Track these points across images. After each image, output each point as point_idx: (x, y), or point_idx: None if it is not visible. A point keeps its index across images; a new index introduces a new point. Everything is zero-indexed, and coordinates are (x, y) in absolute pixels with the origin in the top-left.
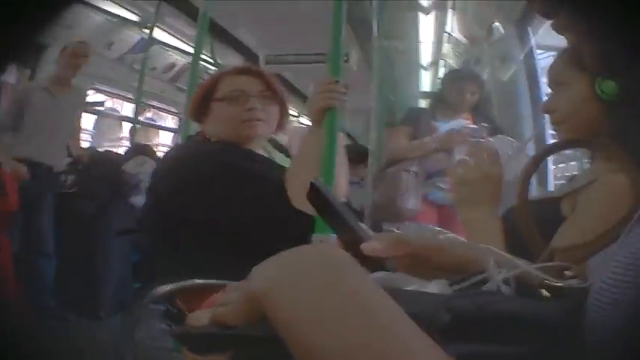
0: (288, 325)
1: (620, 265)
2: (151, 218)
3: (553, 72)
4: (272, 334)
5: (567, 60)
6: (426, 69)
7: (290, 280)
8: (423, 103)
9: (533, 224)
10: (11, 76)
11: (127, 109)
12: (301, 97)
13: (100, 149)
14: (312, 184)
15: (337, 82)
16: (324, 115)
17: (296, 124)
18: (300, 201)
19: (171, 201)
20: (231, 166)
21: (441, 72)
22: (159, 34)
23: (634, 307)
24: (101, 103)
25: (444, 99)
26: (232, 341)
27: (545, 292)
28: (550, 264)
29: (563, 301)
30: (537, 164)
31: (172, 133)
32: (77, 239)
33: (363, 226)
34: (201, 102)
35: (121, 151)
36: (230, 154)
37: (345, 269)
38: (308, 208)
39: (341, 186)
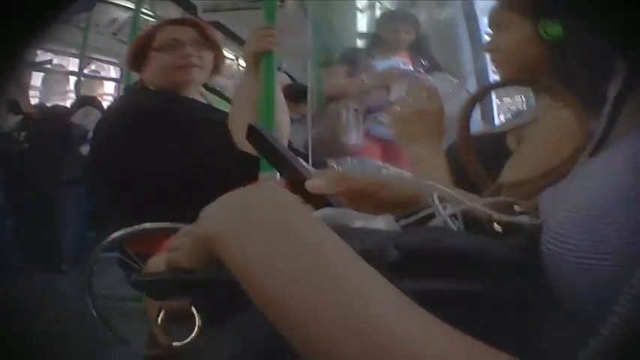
0: (239, 268)
1: (573, 203)
2: (94, 168)
3: (493, 15)
4: (228, 277)
5: (507, 3)
6: (362, 11)
7: (238, 222)
8: (360, 44)
9: (476, 158)
10: None
11: (73, 64)
12: (239, 42)
13: (49, 104)
14: (250, 126)
15: (272, 26)
16: (259, 59)
17: (235, 68)
18: (243, 143)
19: (112, 151)
20: (170, 113)
21: (378, 14)
22: None
23: (590, 247)
24: (48, 62)
25: (380, 39)
26: (190, 285)
27: (496, 227)
28: (496, 199)
29: (515, 237)
30: (477, 100)
31: (115, 83)
32: (33, 194)
33: (305, 164)
34: (139, 52)
35: (69, 104)
36: (169, 102)
37: (291, 209)
38: (252, 149)
39: (283, 127)
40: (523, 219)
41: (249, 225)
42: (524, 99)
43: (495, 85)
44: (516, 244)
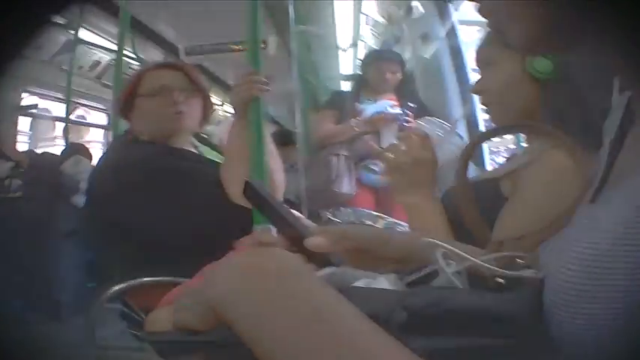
0: (246, 332)
1: (576, 252)
2: (90, 222)
3: (480, 52)
4: (236, 339)
5: (494, 40)
6: (344, 50)
7: (245, 287)
8: (345, 85)
9: (474, 207)
10: None
11: (59, 108)
12: (223, 85)
13: (38, 150)
14: (246, 182)
15: (257, 72)
16: (247, 107)
17: (222, 114)
18: (236, 195)
19: (107, 206)
20: (165, 169)
21: (361, 53)
22: (84, 34)
23: (595, 298)
24: (34, 106)
25: (365, 80)
26: (198, 346)
27: (500, 282)
28: (500, 254)
29: (518, 290)
30: (473, 150)
31: (103, 130)
32: (27, 243)
33: (303, 219)
34: (127, 99)
35: (57, 150)
36: (161, 156)
37: (295, 275)
38: (246, 202)
39: (276, 176)
40: (526, 272)
41: (256, 290)
42: (514, 138)
43: (490, 133)
44: (520, 297)
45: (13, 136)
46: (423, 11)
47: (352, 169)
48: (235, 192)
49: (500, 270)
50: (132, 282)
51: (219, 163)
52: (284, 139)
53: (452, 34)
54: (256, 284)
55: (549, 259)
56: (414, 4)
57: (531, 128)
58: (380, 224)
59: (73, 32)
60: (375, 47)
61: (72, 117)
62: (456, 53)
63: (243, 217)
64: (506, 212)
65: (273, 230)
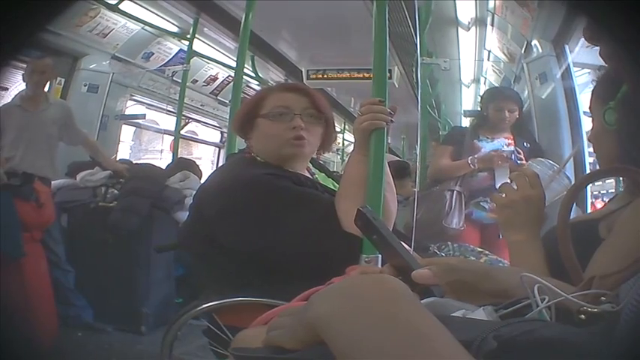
0: (346, 353)
1: None
2: (194, 238)
3: (589, 103)
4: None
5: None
6: (467, 86)
7: (349, 310)
8: (465, 121)
9: (571, 249)
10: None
11: (165, 120)
12: (344, 112)
13: (141, 162)
14: (359, 211)
15: (383, 102)
16: (369, 137)
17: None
18: (348, 223)
19: (217, 225)
20: (277, 192)
21: (482, 89)
22: (199, 45)
23: None
24: (142, 116)
25: (484, 117)
26: None
27: (582, 317)
28: (588, 292)
29: (597, 325)
30: (577, 193)
31: (214, 148)
32: (118, 253)
33: (411, 251)
34: (246, 117)
35: (162, 164)
36: (277, 178)
37: (401, 300)
38: (356, 231)
39: (390, 207)
40: (606, 307)
41: (360, 312)
42: (614, 182)
43: (593, 177)
44: (598, 331)
45: (114, 145)
46: (541, 51)
47: (463, 205)
48: (347, 221)
49: (585, 304)
50: (227, 301)
51: (333, 190)
52: (400, 171)
53: (567, 75)
54: (361, 306)
55: (625, 295)
56: (534, 43)
57: (625, 172)
58: (482, 260)
59: (186, 42)
60: (495, 85)
61: (182, 131)
62: (570, 95)
63: (351, 246)
64: (599, 252)
65: (380, 261)
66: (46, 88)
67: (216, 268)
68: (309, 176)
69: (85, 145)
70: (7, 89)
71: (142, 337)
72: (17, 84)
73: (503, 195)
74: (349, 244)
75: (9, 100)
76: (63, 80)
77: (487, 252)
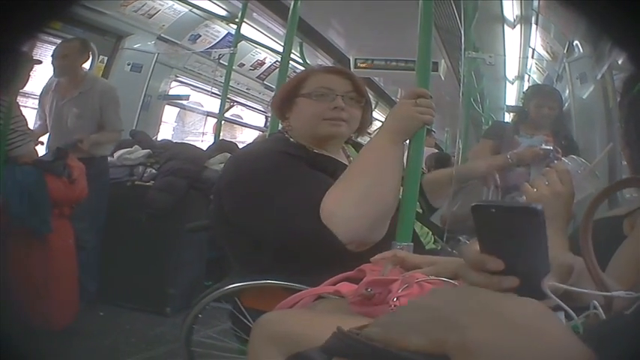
0: None
1: None
2: (216, 216)
3: None
4: None
5: None
6: (511, 82)
7: (494, 334)
8: (507, 117)
9: (591, 251)
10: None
11: (209, 103)
12: (389, 102)
13: (182, 143)
14: (475, 207)
15: (428, 95)
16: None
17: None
18: (327, 213)
19: (224, 196)
20: (283, 168)
21: (525, 86)
22: (247, 30)
23: None
24: (186, 97)
25: (526, 113)
26: None
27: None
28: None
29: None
30: (605, 197)
31: (258, 132)
32: (150, 233)
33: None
34: (287, 96)
35: (204, 146)
36: (290, 156)
37: (547, 322)
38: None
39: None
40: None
41: (507, 337)
42: None
43: (620, 184)
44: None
45: (155, 125)
46: (582, 52)
47: (498, 200)
48: (327, 209)
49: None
50: (252, 283)
51: None
52: (441, 163)
53: (606, 77)
54: (505, 331)
55: None
56: (575, 43)
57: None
58: None
59: (234, 26)
60: (538, 82)
61: (227, 115)
62: (608, 96)
63: (323, 234)
64: (621, 250)
65: (411, 248)
66: (76, 71)
67: (237, 250)
68: (342, 159)
69: (111, 140)
70: (40, 62)
71: (166, 319)
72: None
73: (535, 189)
74: (321, 232)
75: (46, 74)
76: (105, 58)
77: None
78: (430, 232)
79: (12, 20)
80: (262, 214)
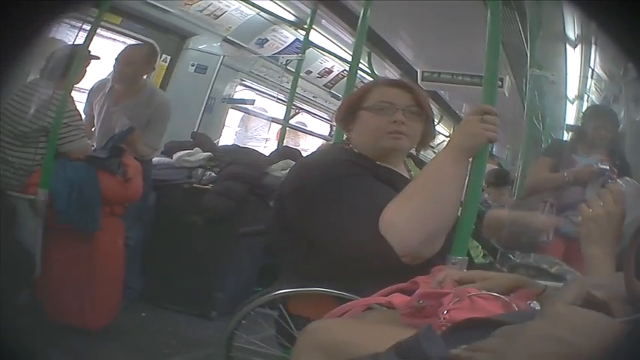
0: None
1: None
2: (275, 222)
3: None
4: None
5: None
6: (572, 102)
7: None
8: (567, 136)
9: (632, 276)
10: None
11: (274, 108)
12: (454, 116)
13: (244, 147)
14: None
15: (495, 113)
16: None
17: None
18: (388, 227)
19: (288, 203)
20: (347, 178)
21: (585, 106)
22: (315, 36)
23: None
24: (251, 102)
25: (584, 133)
26: None
27: None
28: None
29: None
30: None
31: (322, 140)
32: (203, 236)
33: None
34: (350, 109)
35: (266, 151)
36: (354, 165)
37: None
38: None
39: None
40: None
41: None
42: None
43: None
44: None
45: (217, 128)
46: (637, 74)
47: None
48: (389, 224)
49: None
50: (300, 290)
51: None
52: (500, 179)
53: None
54: None
55: None
56: (630, 65)
57: None
58: (554, 270)
59: (302, 32)
60: (596, 102)
61: (291, 121)
62: None
63: (379, 248)
64: None
65: (465, 263)
66: (137, 80)
67: (290, 256)
68: (403, 172)
69: (145, 154)
70: (98, 58)
71: (210, 323)
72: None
73: (590, 210)
74: (379, 246)
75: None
76: (169, 58)
77: (561, 263)
78: (480, 247)
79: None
80: (325, 221)
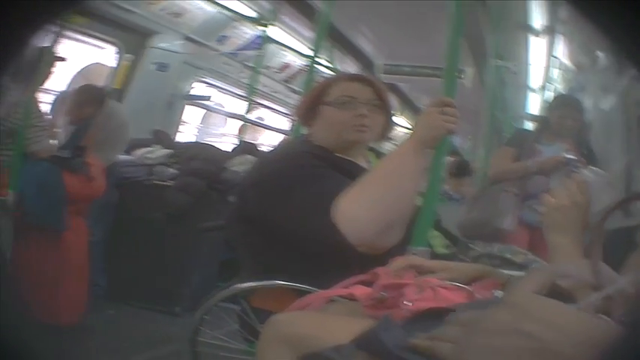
0: None
1: None
2: (235, 216)
3: None
4: None
5: None
6: (534, 92)
7: None
8: (530, 125)
9: (597, 259)
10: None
11: (234, 104)
12: (414, 109)
13: (203, 143)
14: None
15: (453, 104)
16: (437, 141)
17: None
18: (342, 216)
19: (248, 195)
20: (305, 168)
21: (548, 96)
22: (275, 32)
23: None
24: (207, 98)
25: (548, 123)
26: None
27: None
28: None
29: None
30: (615, 210)
31: (282, 135)
32: (165, 232)
33: None
34: (311, 104)
35: (226, 147)
36: (314, 157)
37: None
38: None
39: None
40: None
41: None
42: None
43: (631, 198)
44: None
45: (176, 125)
46: (606, 63)
47: (517, 208)
48: (343, 212)
49: None
50: (258, 283)
51: None
52: (460, 170)
53: (629, 89)
54: None
55: None
56: (599, 54)
57: None
58: (519, 259)
59: (262, 28)
60: (562, 92)
61: (251, 117)
62: (630, 109)
63: (332, 236)
64: (633, 260)
65: (427, 253)
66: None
67: (250, 250)
68: (364, 164)
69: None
70: (64, 59)
71: (176, 319)
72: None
73: (554, 199)
74: (332, 231)
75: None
76: (131, 57)
77: (526, 252)
78: (440, 237)
79: (23, 11)
80: (283, 211)
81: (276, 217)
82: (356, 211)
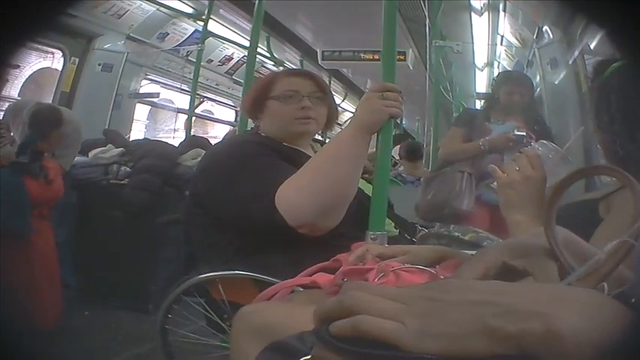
0: None
1: None
2: (189, 208)
3: None
4: None
5: None
6: (481, 70)
7: (578, 319)
8: (478, 104)
9: (552, 235)
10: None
11: (181, 100)
12: (359, 92)
13: (154, 140)
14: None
15: (396, 89)
16: (380, 126)
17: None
18: (283, 200)
19: (198, 184)
20: (250, 157)
21: (496, 73)
22: (214, 26)
23: None
24: (156, 95)
25: (496, 100)
26: None
27: None
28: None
29: None
30: (568, 184)
31: (229, 127)
32: (128, 231)
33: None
34: (257, 100)
35: (176, 143)
36: (260, 146)
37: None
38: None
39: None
40: None
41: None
42: None
43: (581, 172)
44: None
45: (127, 123)
46: (552, 37)
47: (473, 187)
48: (284, 197)
49: None
50: (216, 274)
51: None
52: (414, 152)
53: (578, 62)
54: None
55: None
56: (545, 29)
57: (608, 172)
58: (468, 237)
59: (201, 23)
60: (508, 69)
61: (197, 110)
62: (579, 81)
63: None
64: (598, 233)
65: (385, 237)
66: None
67: (207, 240)
68: (311, 154)
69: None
70: (18, 67)
71: (150, 316)
72: (32, 64)
73: (506, 175)
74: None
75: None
76: (77, 60)
77: (478, 230)
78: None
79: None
80: (229, 197)
81: (222, 202)
82: (294, 196)
